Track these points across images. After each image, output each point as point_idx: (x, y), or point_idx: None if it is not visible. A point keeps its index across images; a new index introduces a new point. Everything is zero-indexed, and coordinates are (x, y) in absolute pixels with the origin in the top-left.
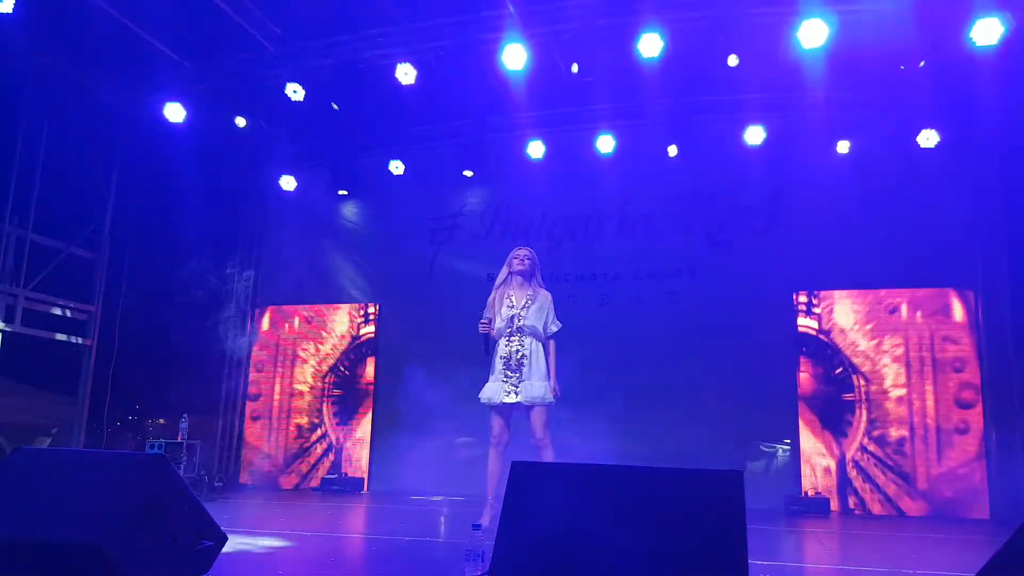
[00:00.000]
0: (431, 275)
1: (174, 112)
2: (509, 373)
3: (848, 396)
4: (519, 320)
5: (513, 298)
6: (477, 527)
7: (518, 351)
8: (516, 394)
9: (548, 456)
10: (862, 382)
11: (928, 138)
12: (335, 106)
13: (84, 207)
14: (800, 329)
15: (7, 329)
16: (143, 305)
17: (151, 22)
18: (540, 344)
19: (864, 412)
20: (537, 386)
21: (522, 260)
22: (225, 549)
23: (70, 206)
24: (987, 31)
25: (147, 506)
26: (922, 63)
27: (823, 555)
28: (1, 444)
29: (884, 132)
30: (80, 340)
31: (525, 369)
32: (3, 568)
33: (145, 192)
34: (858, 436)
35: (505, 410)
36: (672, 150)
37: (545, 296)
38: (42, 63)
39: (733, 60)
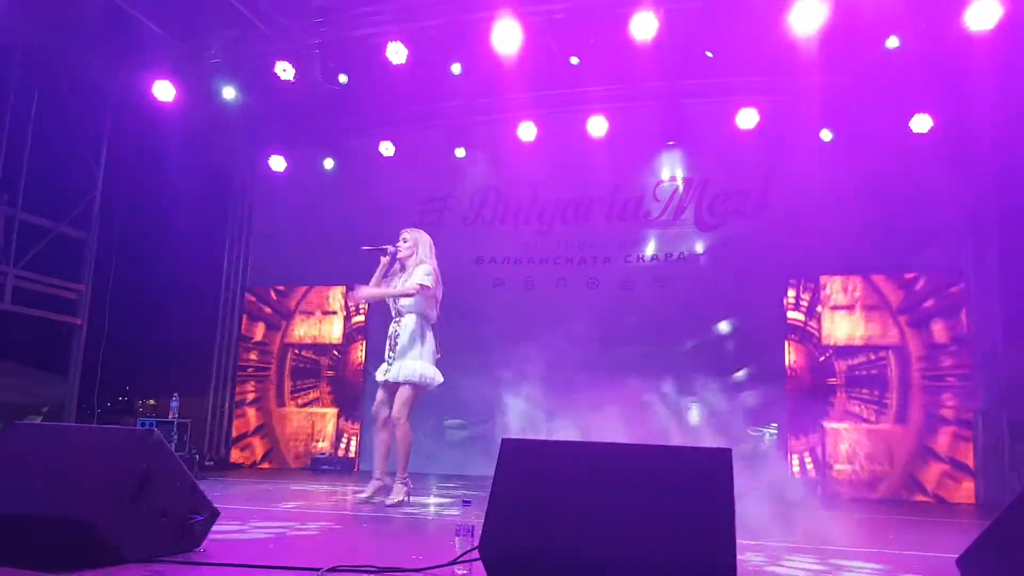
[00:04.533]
0: None
1: (163, 90)
2: (389, 352)
3: (833, 381)
4: (397, 302)
5: (397, 282)
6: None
7: (395, 331)
8: (388, 372)
9: (398, 434)
10: (850, 366)
11: (921, 123)
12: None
13: (73, 185)
14: (788, 319)
15: None
16: (133, 284)
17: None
18: (417, 321)
19: (852, 396)
20: (407, 365)
21: (399, 247)
22: (216, 525)
23: (59, 184)
24: (983, 14)
25: (138, 481)
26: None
27: (809, 536)
28: None
29: (877, 116)
30: (70, 319)
31: (398, 347)
32: None
33: (135, 170)
34: (845, 420)
35: (386, 387)
36: (670, 143)
37: (417, 270)
38: (31, 40)
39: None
